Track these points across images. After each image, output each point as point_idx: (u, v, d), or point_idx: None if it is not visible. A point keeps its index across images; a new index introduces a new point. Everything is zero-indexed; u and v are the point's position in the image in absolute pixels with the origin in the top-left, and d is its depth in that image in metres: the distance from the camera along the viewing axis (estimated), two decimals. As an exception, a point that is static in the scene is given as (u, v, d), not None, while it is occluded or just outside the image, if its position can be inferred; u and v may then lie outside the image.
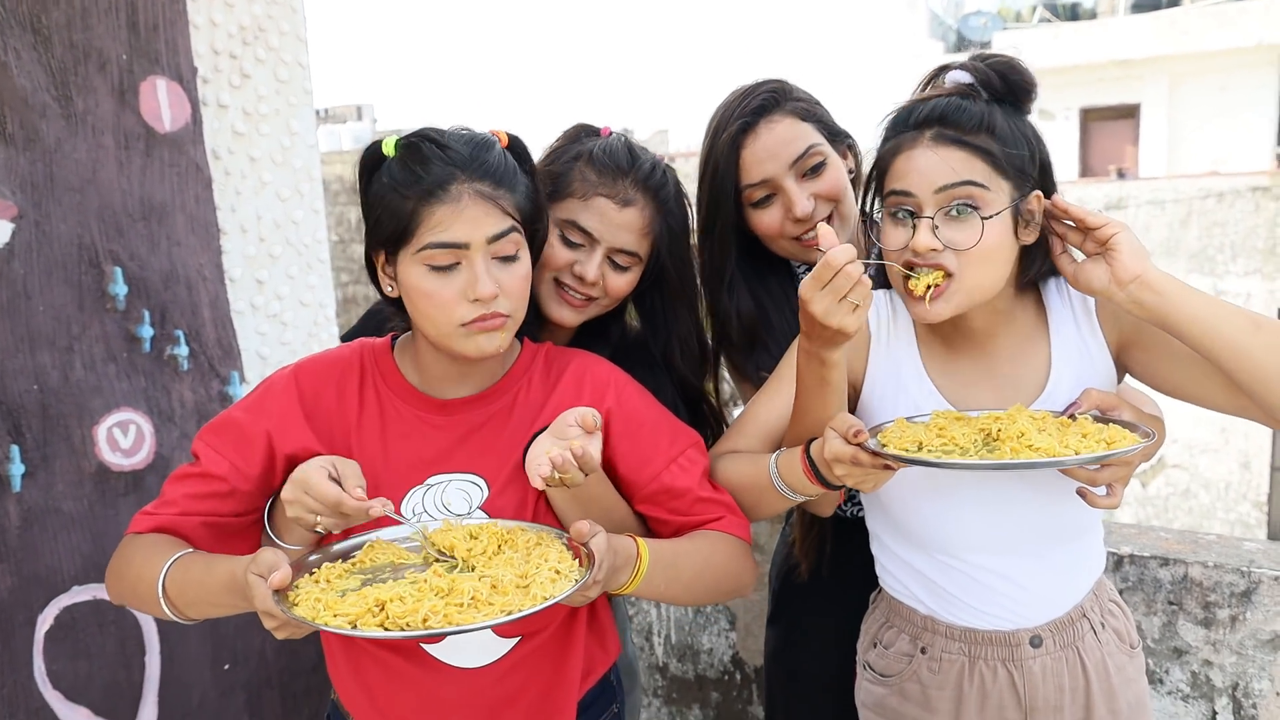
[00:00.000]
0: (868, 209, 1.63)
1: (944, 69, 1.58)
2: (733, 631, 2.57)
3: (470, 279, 1.42)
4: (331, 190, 18.97)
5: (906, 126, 1.50)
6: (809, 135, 1.82)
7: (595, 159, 1.72)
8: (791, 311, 1.88)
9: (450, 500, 1.50)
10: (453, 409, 1.53)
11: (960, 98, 1.49)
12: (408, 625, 1.19)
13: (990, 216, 1.44)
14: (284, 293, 2.59)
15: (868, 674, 1.71)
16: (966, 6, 20.46)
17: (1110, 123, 18.02)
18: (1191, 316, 1.39)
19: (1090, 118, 18.12)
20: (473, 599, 1.22)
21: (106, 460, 2.18)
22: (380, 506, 1.33)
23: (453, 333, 1.45)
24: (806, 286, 1.35)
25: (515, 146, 1.52)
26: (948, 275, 1.44)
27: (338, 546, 1.44)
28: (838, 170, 1.85)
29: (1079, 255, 1.51)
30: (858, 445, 1.36)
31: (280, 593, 1.26)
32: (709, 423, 1.89)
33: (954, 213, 1.44)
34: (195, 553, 1.45)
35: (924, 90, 1.58)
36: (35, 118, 2.02)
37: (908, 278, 1.48)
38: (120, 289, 2.17)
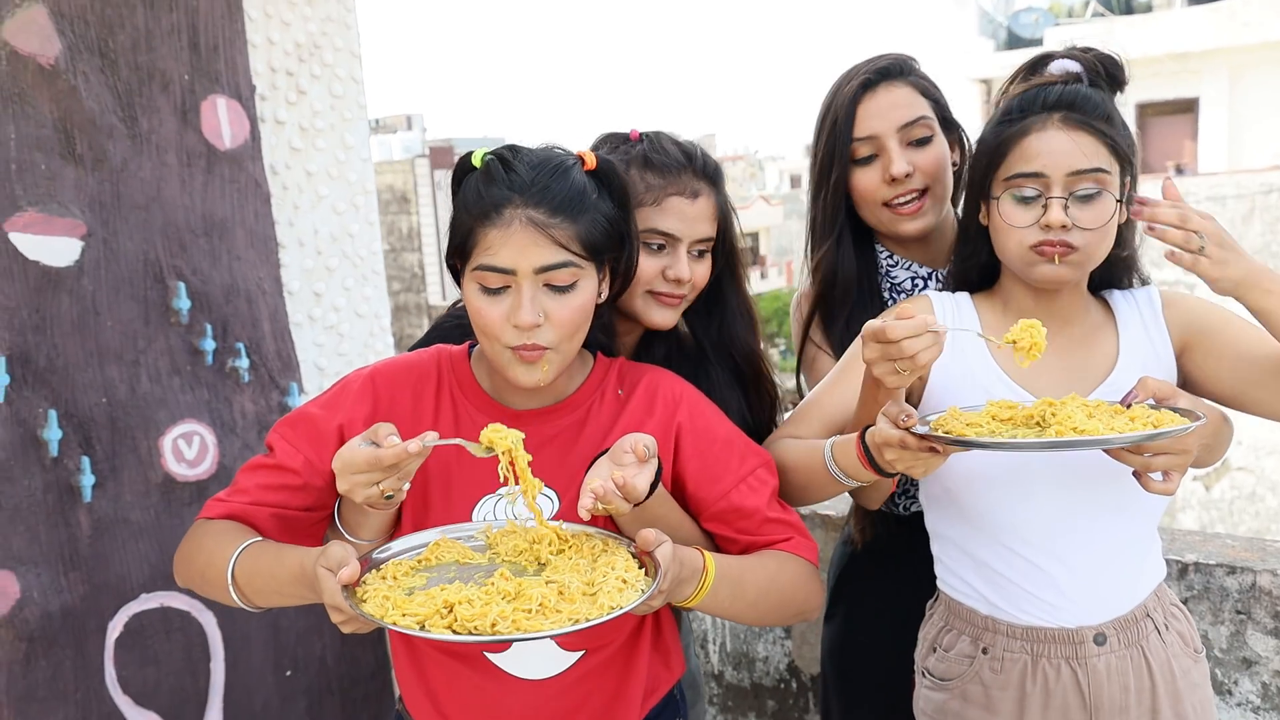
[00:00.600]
0: (970, 193, 1.63)
1: (1046, 58, 1.62)
2: (788, 639, 2.55)
3: (515, 305, 1.41)
4: (383, 200, 19.19)
5: (1034, 109, 1.54)
6: (923, 108, 1.88)
7: (651, 162, 1.73)
8: (869, 295, 1.95)
9: (521, 511, 1.49)
10: (526, 420, 1.53)
11: (1081, 85, 1.55)
12: (476, 629, 1.19)
13: (1121, 200, 1.51)
14: (340, 304, 2.63)
15: (926, 680, 1.70)
16: (1017, 3, 20.17)
17: (1168, 118, 17.66)
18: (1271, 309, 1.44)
19: (1147, 113, 17.76)
20: (540, 605, 1.22)
21: (172, 471, 2.23)
22: (419, 443, 1.31)
23: (498, 353, 1.45)
24: (866, 331, 1.38)
25: (603, 170, 1.49)
26: (1071, 249, 1.49)
27: (404, 544, 1.45)
28: (941, 151, 1.90)
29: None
30: (905, 430, 1.38)
31: (348, 588, 1.27)
32: (766, 403, 1.89)
33: (1083, 195, 1.49)
34: (265, 542, 1.46)
35: (1024, 79, 1.62)
36: (103, 138, 2.08)
37: (1035, 247, 1.51)
38: (184, 303, 2.23)
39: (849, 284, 1.93)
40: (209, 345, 2.29)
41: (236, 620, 2.37)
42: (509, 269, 1.40)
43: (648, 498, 1.40)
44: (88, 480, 2.09)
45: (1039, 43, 18.16)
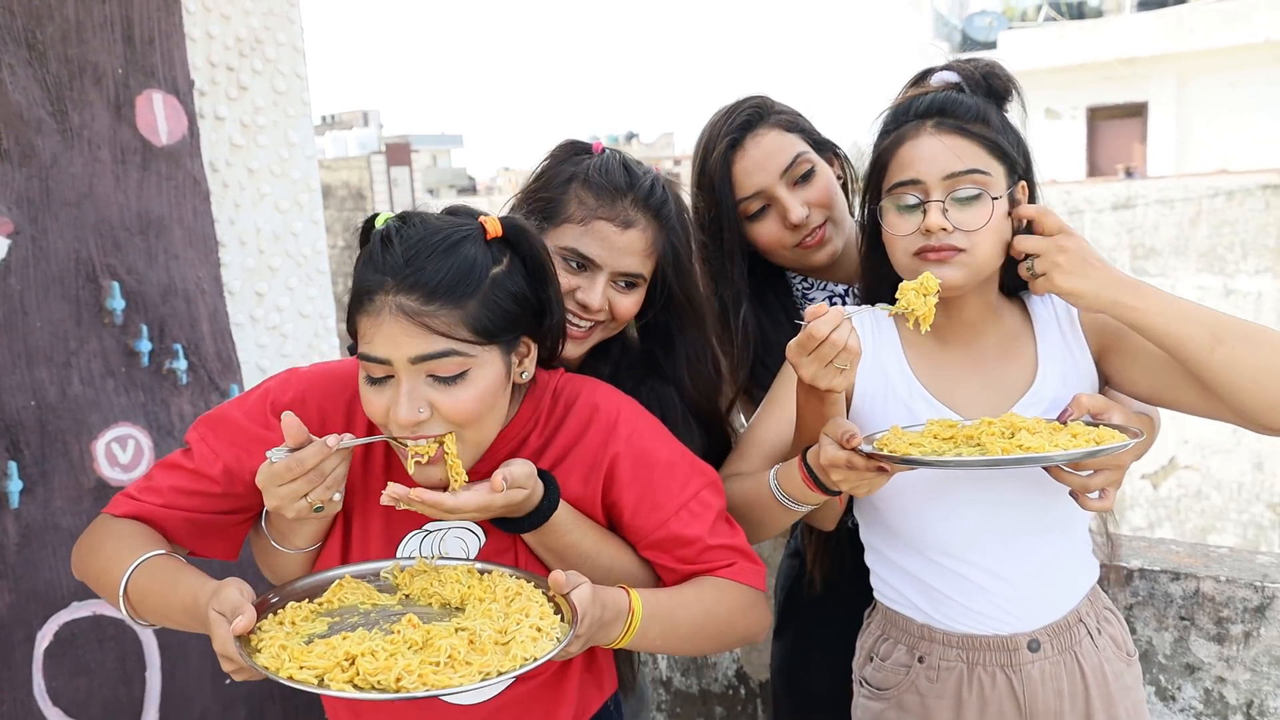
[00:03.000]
0: (865, 209, 1.64)
1: (929, 72, 1.64)
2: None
3: (394, 399, 1.29)
4: (338, 196, 19.00)
5: (906, 118, 1.55)
6: (795, 145, 1.87)
7: (590, 180, 1.63)
8: (791, 327, 1.89)
9: (448, 548, 1.45)
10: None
11: (955, 92, 1.56)
12: (379, 684, 1.13)
13: (998, 197, 1.50)
14: (284, 304, 2.58)
15: (864, 690, 1.70)
16: (971, 6, 20.40)
17: (1118, 121, 17.93)
18: (1158, 331, 1.44)
19: (1097, 117, 18.03)
20: (449, 658, 1.17)
21: (105, 475, 2.17)
22: (336, 440, 1.27)
23: (394, 446, 1.35)
24: (793, 351, 1.38)
25: (510, 236, 1.36)
26: (956, 250, 1.49)
27: (306, 583, 1.38)
28: (827, 177, 1.90)
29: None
30: (851, 450, 1.37)
31: (242, 636, 1.21)
32: (722, 438, 1.83)
33: (961, 197, 1.49)
34: (164, 559, 1.39)
35: (910, 91, 1.63)
36: (30, 133, 2.01)
37: (917, 254, 1.51)
38: (118, 303, 2.16)
39: (756, 343, 1.92)
40: (145, 346, 2.22)
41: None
42: (385, 359, 1.28)
43: (530, 526, 1.38)
44: (15, 486, 2.03)
45: (993, 45, 18.38)
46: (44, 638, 2.10)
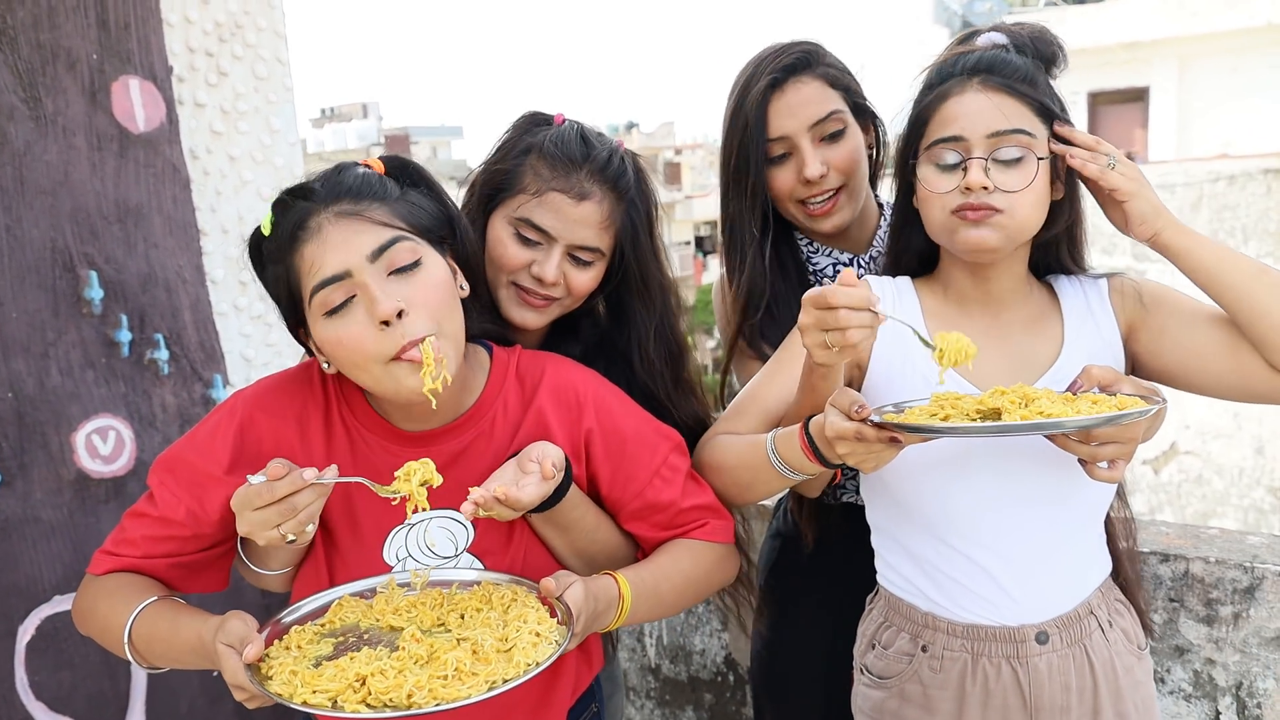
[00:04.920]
0: (900, 169, 1.60)
1: (974, 33, 1.60)
2: (725, 632, 2.52)
3: (369, 304, 1.27)
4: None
5: (952, 74, 1.52)
6: (834, 101, 1.83)
7: (546, 151, 1.62)
8: (797, 284, 1.90)
9: (434, 540, 1.45)
10: (426, 441, 1.44)
11: (1003, 52, 1.53)
12: (391, 701, 1.16)
13: (1043, 158, 1.47)
14: (267, 293, 2.55)
15: (865, 678, 1.66)
16: (972, -9, 20.29)
17: (1119, 106, 17.85)
18: (1201, 265, 1.47)
19: (1098, 101, 17.94)
20: (455, 670, 1.21)
21: (86, 467, 2.14)
22: (315, 473, 1.27)
23: (380, 376, 1.32)
24: (810, 294, 1.33)
25: (395, 167, 1.43)
26: (995, 211, 1.45)
27: (311, 604, 1.40)
28: (856, 143, 1.85)
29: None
30: (861, 420, 1.32)
31: (251, 665, 1.23)
32: (691, 416, 1.81)
33: (1004, 157, 1.45)
34: (162, 603, 1.41)
35: (955, 49, 1.59)
36: (3, 120, 1.98)
37: (955, 212, 1.47)
38: (96, 293, 2.14)
39: (770, 290, 1.87)
40: (125, 336, 2.20)
41: (158, 621, 2.29)
42: (343, 271, 1.29)
43: (550, 506, 1.38)
44: (-8, 478, 2.00)
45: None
46: (26, 632, 2.08)
